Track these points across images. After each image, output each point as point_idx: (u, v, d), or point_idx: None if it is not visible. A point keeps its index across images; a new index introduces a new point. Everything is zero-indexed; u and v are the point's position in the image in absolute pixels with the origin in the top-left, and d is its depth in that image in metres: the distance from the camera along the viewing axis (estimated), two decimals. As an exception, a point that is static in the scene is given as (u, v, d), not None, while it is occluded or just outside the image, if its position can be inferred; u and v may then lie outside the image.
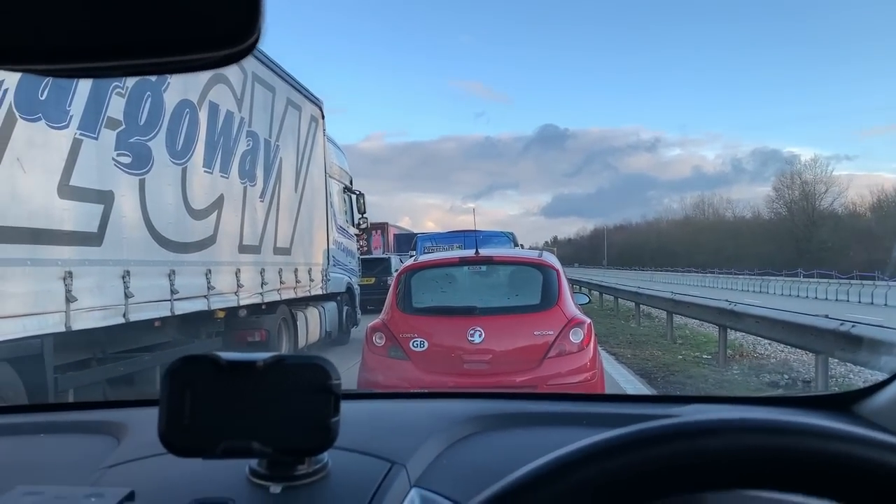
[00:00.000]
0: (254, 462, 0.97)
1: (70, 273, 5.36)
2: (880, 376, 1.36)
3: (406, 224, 58.18)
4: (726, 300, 11.52)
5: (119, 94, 6.10)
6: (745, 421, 0.51)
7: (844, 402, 1.29)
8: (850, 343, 6.96)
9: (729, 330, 10.90)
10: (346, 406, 0.93)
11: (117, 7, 0.37)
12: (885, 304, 27.21)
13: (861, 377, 9.07)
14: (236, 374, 0.89)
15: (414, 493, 0.98)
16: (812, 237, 73.24)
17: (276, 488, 0.94)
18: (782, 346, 11.07)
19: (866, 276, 39.24)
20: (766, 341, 11.59)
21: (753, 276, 52.81)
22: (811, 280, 44.35)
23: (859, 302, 29.80)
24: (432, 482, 1.02)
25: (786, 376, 9.57)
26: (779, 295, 37.57)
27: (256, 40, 0.39)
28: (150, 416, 1.36)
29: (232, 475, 0.97)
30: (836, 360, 8.05)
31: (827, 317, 7.91)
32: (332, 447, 0.91)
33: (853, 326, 7.07)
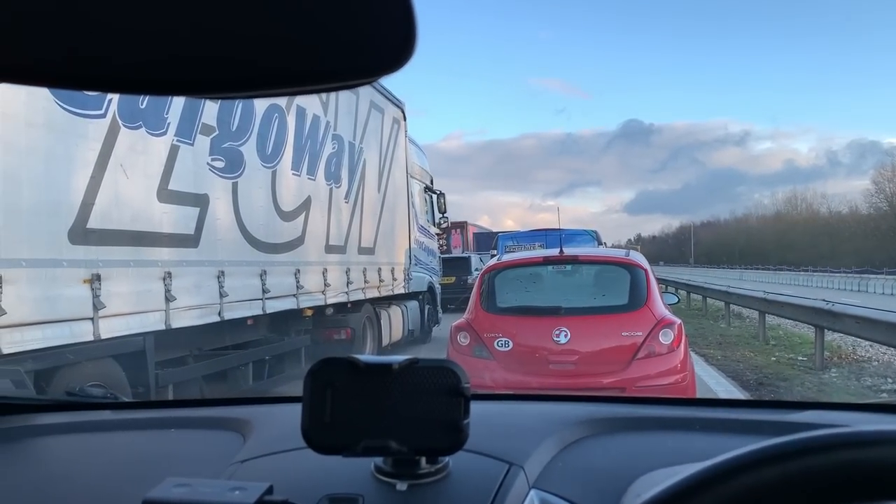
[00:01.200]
0: (379, 460, 1.00)
1: (169, 273, 5.61)
2: None
3: (485, 223, 58.26)
4: (823, 299, 11.00)
5: (213, 101, 6.33)
6: None
7: None
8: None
9: (826, 331, 10.41)
10: None
11: (279, 40, 0.39)
12: None
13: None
14: (373, 375, 0.93)
15: (533, 495, 0.99)
16: (916, 233, 69.06)
17: (402, 486, 0.97)
18: (885, 348, 10.49)
19: (978, 274, 36.68)
20: (867, 343, 11.00)
21: (851, 275, 50.18)
22: (916, 278, 41.82)
23: (970, 302, 27.94)
24: (550, 484, 1.02)
25: (889, 380, 9.07)
26: (879, 294, 35.63)
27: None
28: (272, 412, 1.41)
29: (358, 472, 1.00)
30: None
31: (936, 318, 7.45)
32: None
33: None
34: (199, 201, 6.16)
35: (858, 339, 10.67)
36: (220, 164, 6.48)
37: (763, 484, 0.49)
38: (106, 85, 0.41)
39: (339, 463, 0.95)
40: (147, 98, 5.39)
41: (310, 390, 0.93)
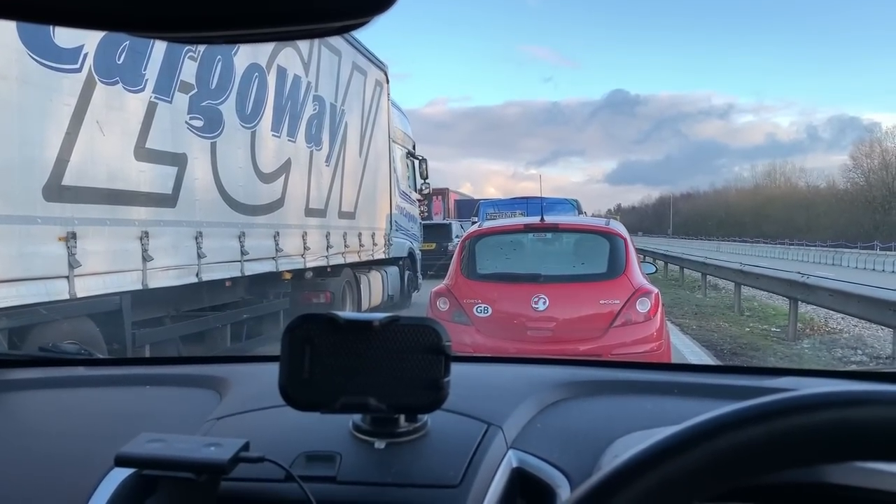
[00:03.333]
0: (357, 418, 1.00)
1: (146, 233, 5.54)
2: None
3: (467, 190, 58.10)
4: (798, 272, 11.15)
5: (191, 59, 6.20)
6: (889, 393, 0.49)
7: None
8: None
9: (800, 303, 10.57)
10: None
11: None
12: (969, 280, 25.92)
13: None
14: (353, 332, 0.92)
15: (511, 455, 1.00)
16: (891, 209, 69.85)
17: (380, 444, 0.96)
18: (856, 320, 10.69)
19: (949, 251, 37.35)
20: (839, 315, 11.19)
21: (826, 248, 50.90)
22: (889, 253, 42.47)
23: (940, 277, 28.44)
24: (528, 444, 1.03)
25: (859, 352, 9.26)
26: (853, 268, 36.21)
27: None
28: (249, 371, 1.40)
29: (336, 430, 1.00)
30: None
31: (907, 292, 7.59)
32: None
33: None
34: (177, 160, 6.07)
35: (831, 312, 10.85)
36: (198, 123, 6.37)
37: (743, 444, 0.49)
38: (77, 19, 0.39)
39: (317, 421, 0.95)
40: (125, 53, 5.27)
41: (288, 346, 0.92)
